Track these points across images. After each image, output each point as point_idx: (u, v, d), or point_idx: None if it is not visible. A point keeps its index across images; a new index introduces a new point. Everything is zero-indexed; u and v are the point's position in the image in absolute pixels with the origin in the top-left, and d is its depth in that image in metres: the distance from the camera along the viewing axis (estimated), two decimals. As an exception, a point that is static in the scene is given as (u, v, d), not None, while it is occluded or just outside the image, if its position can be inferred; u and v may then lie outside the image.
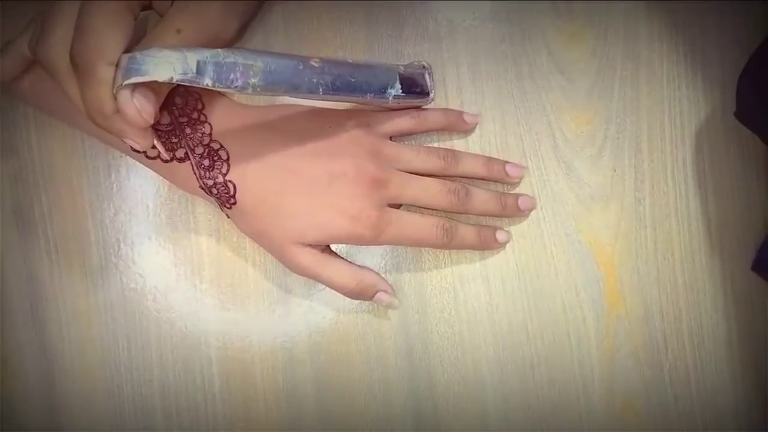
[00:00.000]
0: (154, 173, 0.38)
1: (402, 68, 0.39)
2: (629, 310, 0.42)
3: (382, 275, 0.41)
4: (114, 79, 0.30)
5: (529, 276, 0.42)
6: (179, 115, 0.36)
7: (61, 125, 0.41)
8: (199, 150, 0.36)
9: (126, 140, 0.33)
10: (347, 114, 0.40)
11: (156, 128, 0.36)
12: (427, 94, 0.41)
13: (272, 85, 0.32)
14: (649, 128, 0.42)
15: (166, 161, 0.36)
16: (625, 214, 0.42)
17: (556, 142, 0.42)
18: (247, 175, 0.36)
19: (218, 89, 0.30)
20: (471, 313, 0.42)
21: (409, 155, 0.39)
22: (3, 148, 0.41)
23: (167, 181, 0.39)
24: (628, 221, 0.42)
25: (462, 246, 0.41)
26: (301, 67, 0.33)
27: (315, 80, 0.34)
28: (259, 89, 0.32)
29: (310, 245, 0.38)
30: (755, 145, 0.42)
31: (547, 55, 0.42)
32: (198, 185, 0.37)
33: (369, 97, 0.37)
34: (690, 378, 0.43)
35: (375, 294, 0.40)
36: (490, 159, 0.41)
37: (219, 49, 0.31)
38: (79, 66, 0.30)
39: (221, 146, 0.36)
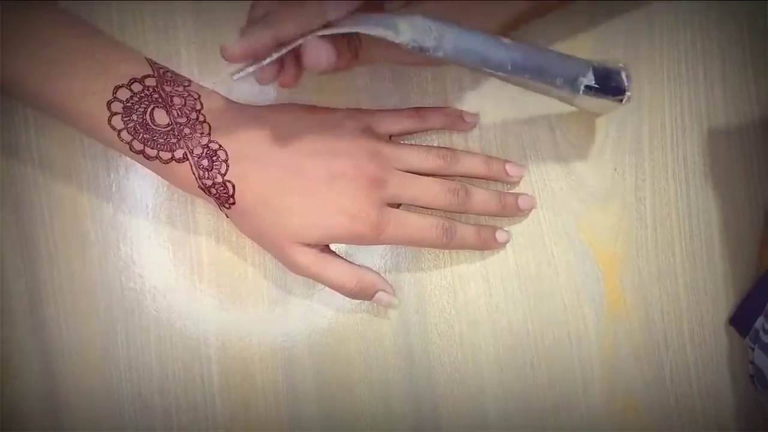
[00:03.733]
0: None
1: (595, 62, 0.37)
2: (630, 310, 0.42)
3: (382, 275, 0.41)
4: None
5: (529, 275, 0.42)
6: (178, 115, 0.36)
7: (62, 126, 0.40)
8: (198, 150, 0.36)
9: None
10: (347, 113, 0.40)
11: (154, 129, 0.36)
12: (623, 92, 0.37)
13: (462, 53, 0.33)
14: (650, 127, 0.42)
15: (165, 162, 0.36)
16: (625, 213, 0.42)
17: (557, 141, 0.42)
18: (246, 175, 0.36)
19: (410, 48, 0.32)
20: (471, 313, 0.42)
21: (409, 155, 0.39)
22: (3, 147, 0.41)
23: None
24: (629, 220, 0.42)
25: (462, 246, 0.41)
26: (491, 41, 0.34)
27: (504, 55, 0.34)
28: (449, 55, 0.33)
29: (309, 245, 0.38)
30: (756, 143, 0.42)
31: (547, 53, 0.42)
32: (197, 185, 0.36)
33: (558, 82, 0.35)
34: (691, 377, 0.43)
35: (375, 294, 0.40)
36: (489, 158, 0.41)
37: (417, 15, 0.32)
38: None
39: (220, 146, 0.36)
